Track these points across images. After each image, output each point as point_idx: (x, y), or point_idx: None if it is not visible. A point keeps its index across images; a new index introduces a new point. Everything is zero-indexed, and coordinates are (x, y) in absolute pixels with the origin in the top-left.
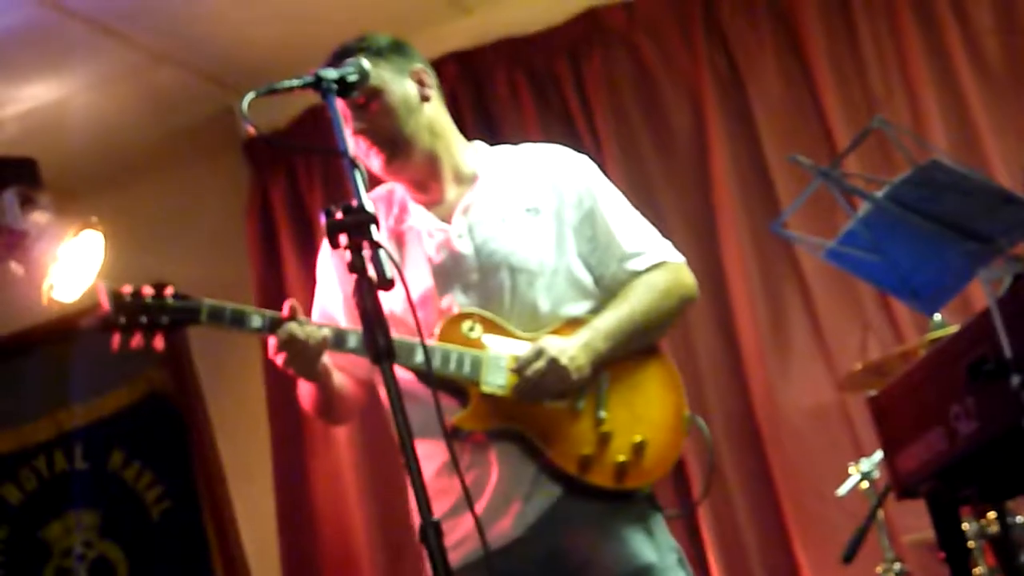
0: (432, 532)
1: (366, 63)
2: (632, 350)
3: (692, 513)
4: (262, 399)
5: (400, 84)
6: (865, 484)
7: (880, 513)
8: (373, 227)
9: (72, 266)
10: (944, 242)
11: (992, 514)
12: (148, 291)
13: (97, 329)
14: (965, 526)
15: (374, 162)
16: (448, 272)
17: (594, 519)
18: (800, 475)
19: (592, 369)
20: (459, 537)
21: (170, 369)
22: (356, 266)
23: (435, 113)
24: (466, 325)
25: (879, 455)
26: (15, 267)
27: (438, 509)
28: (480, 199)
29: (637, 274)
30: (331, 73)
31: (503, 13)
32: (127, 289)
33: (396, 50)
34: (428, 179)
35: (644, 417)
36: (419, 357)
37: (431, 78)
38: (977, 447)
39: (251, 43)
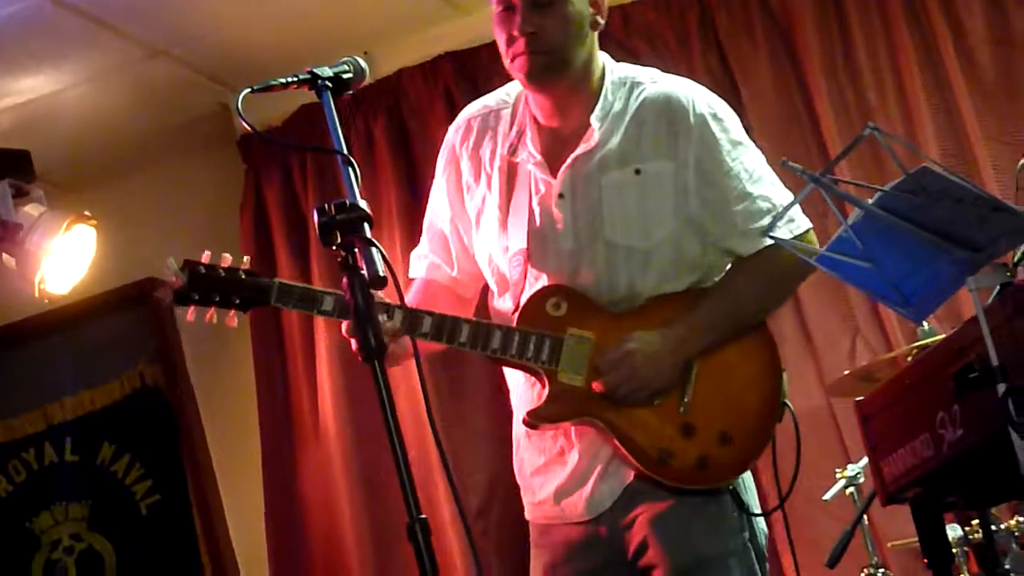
0: (419, 529)
1: (363, 64)
2: (732, 338)
3: (772, 513)
4: (252, 394)
5: (581, 0)
6: (851, 489)
7: (865, 518)
8: (366, 225)
9: (64, 259)
10: (934, 250)
11: (976, 521)
12: (223, 262)
13: (171, 303)
14: (949, 533)
15: (516, 68)
16: (544, 237)
17: (682, 518)
18: (787, 479)
19: (682, 368)
20: (543, 497)
21: (161, 364)
22: (348, 265)
23: (594, 44)
24: (551, 302)
25: (865, 460)
26: (7, 259)
27: (531, 461)
28: (590, 153)
29: (751, 254)
30: (326, 70)
31: None
32: (205, 258)
33: None
34: (562, 106)
35: (733, 405)
36: (495, 342)
37: (605, 7)
38: (962, 454)
39: (247, 40)
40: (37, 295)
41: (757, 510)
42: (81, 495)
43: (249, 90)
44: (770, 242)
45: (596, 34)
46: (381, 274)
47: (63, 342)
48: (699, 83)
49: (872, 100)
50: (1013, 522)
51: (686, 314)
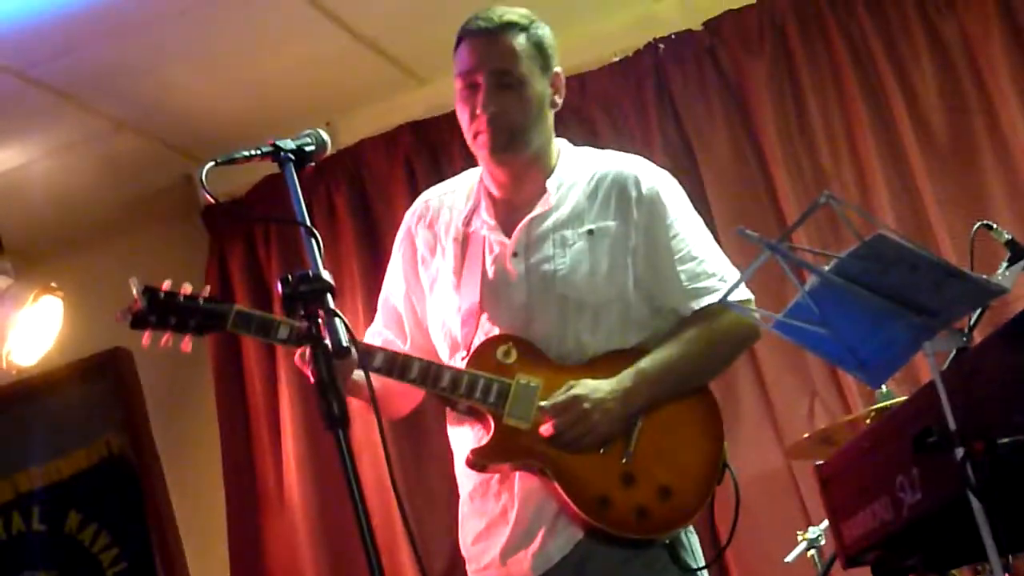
0: None
1: (325, 135)
2: (678, 394)
3: (711, 566)
4: (217, 463)
5: (541, 83)
6: (812, 552)
7: None
8: (329, 295)
9: (31, 330)
10: (890, 315)
11: None
12: (184, 290)
13: (128, 325)
14: None
15: (479, 144)
16: (496, 291)
17: (612, 568)
18: (748, 541)
19: (627, 418)
20: (488, 561)
21: (128, 433)
22: (311, 335)
23: (550, 122)
24: (501, 350)
25: (826, 523)
26: None
27: (471, 529)
28: (544, 216)
29: (696, 314)
30: (288, 143)
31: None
32: (165, 286)
33: (549, 49)
34: (518, 180)
35: (674, 462)
36: (444, 382)
37: (562, 87)
38: (921, 517)
39: (210, 111)
40: (4, 366)
41: (694, 566)
42: (49, 564)
43: (213, 163)
44: (712, 301)
45: (553, 114)
46: (344, 344)
47: (31, 412)
48: (656, 149)
49: (827, 165)
50: None
51: (632, 366)
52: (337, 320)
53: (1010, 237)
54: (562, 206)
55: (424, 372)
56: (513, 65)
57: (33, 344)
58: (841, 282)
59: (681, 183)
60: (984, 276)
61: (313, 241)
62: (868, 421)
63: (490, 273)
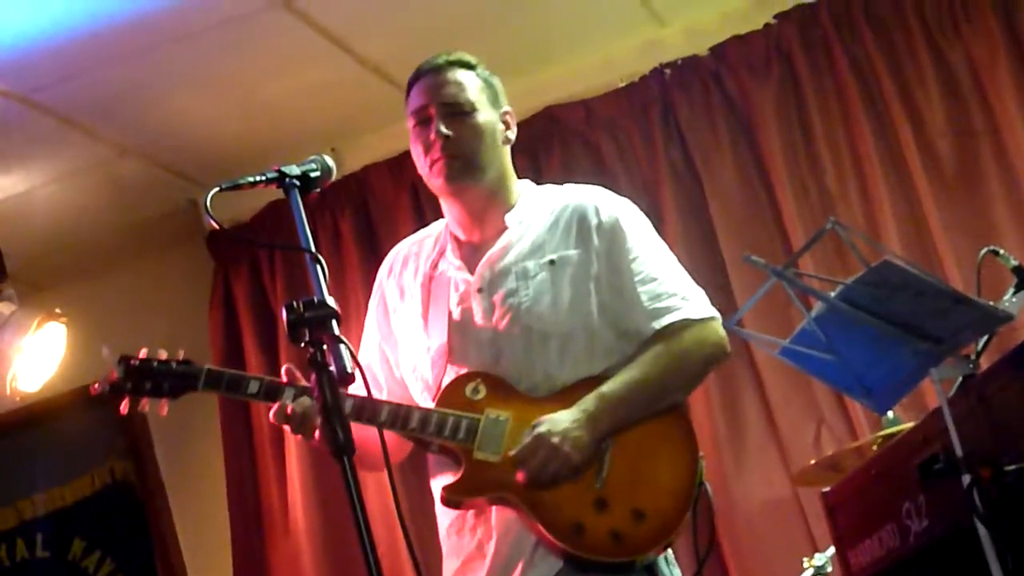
0: None
1: (330, 161)
2: (645, 415)
3: None
4: (222, 489)
5: (492, 113)
6: None
7: None
8: (334, 322)
9: (35, 357)
10: (896, 342)
11: None
12: (159, 356)
13: (106, 394)
14: None
15: (434, 175)
16: (464, 329)
17: None
18: (754, 568)
19: (598, 443)
20: None
21: (132, 459)
22: (317, 362)
23: (506, 158)
24: (470, 387)
25: (832, 550)
26: None
27: (449, 568)
28: (506, 250)
29: (658, 333)
30: (294, 169)
31: None
32: (142, 354)
33: (497, 87)
34: (478, 217)
35: (648, 484)
36: (414, 423)
37: (514, 124)
38: (928, 545)
39: (215, 137)
40: (8, 393)
41: None
42: None
43: (218, 189)
44: (674, 319)
45: (508, 150)
46: (349, 370)
47: (34, 438)
48: (662, 174)
49: (833, 190)
50: None
51: (594, 392)
52: (342, 347)
53: (1017, 263)
54: (523, 239)
55: (393, 415)
56: (463, 95)
57: (37, 371)
58: (847, 309)
59: (687, 208)
60: (991, 303)
61: (318, 267)
62: (875, 448)
63: (456, 313)
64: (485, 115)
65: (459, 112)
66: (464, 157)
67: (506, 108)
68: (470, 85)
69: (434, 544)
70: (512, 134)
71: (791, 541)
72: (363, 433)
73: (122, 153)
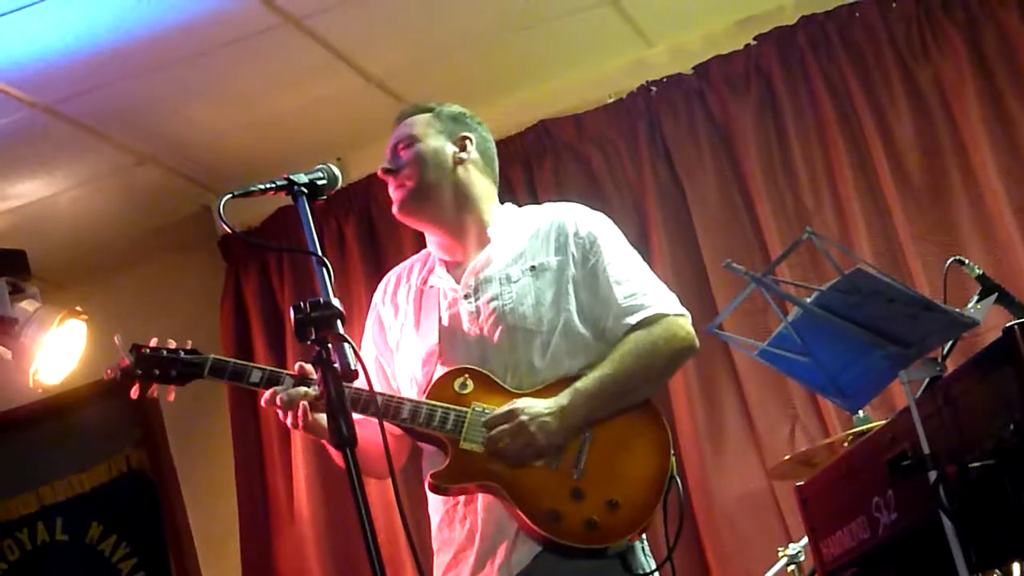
0: None
1: (336, 170)
2: (620, 408)
3: (658, 569)
4: (231, 478)
5: (438, 140)
6: (792, 568)
7: None
8: (339, 321)
9: (57, 352)
10: (868, 345)
11: None
12: (168, 345)
13: (118, 379)
14: None
15: (394, 207)
16: (453, 332)
17: None
18: (732, 557)
19: (566, 432)
20: None
21: (146, 449)
22: (322, 359)
23: (467, 178)
24: (458, 382)
25: (805, 540)
26: (3, 352)
27: (442, 561)
28: (489, 260)
29: (631, 328)
30: (302, 177)
31: None
32: (153, 343)
33: (454, 117)
34: (452, 240)
35: (622, 475)
36: (404, 413)
37: (475, 149)
38: (896, 537)
39: (228, 148)
40: (31, 385)
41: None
42: (72, 572)
43: (230, 196)
44: (645, 315)
45: (471, 171)
46: (353, 367)
47: (55, 429)
48: (647, 185)
49: (808, 203)
50: None
51: (570, 387)
52: (346, 344)
53: (981, 272)
54: (505, 250)
55: (385, 406)
56: (405, 132)
57: (58, 364)
58: (822, 313)
59: (671, 217)
60: (957, 309)
61: (324, 270)
62: (846, 444)
63: (445, 318)
64: (429, 142)
65: (403, 148)
66: (408, 185)
67: (464, 134)
68: (417, 122)
69: (430, 533)
70: (469, 155)
71: (767, 532)
72: (365, 437)
73: (140, 161)
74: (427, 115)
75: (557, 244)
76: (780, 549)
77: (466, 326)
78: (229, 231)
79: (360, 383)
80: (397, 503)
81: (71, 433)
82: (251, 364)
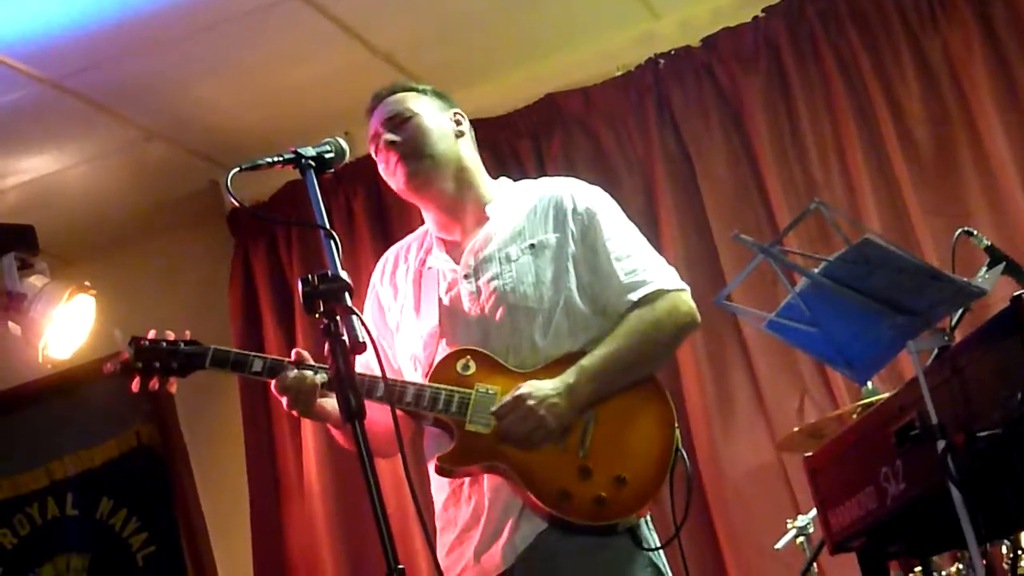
0: None
1: (344, 144)
2: (624, 385)
3: (668, 545)
4: (241, 452)
5: (436, 114)
6: (801, 539)
7: (814, 566)
8: (346, 294)
9: (66, 327)
10: (876, 316)
11: (919, 568)
12: (167, 337)
13: (118, 373)
14: None
15: (398, 178)
16: (453, 312)
17: (575, 555)
18: (741, 529)
19: (574, 412)
20: (463, 565)
21: (156, 424)
22: (330, 331)
23: (466, 151)
24: (460, 363)
25: (814, 512)
26: (13, 327)
27: (446, 540)
28: (488, 239)
29: (633, 305)
30: (309, 151)
31: (470, 97)
32: (151, 335)
33: (440, 95)
34: (453, 214)
35: (628, 452)
36: (409, 397)
37: (467, 124)
38: (904, 506)
39: (235, 122)
40: (40, 360)
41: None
42: (82, 547)
43: (238, 169)
44: (647, 291)
45: (469, 145)
46: (361, 340)
47: (65, 404)
48: (656, 159)
49: (817, 176)
50: (954, 569)
51: (575, 365)
52: (354, 317)
53: (989, 243)
54: (503, 228)
55: (389, 390)
56: (403, 107)
57: (67, 340)
58: (830, 284)
59: (679, 190)
60: (965, 279)
61: (332, 243)
62: (854, 416)
63: (446, 299)
64: (429, 117)
65: (402, 120)
66: (415, 153)
67: (455, 109)
68: (407, 98)
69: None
70: (465, 128)
71: (776, 503)
72: (373, 417)
73: (148, 136)
74: (412, 92)
75: (556, 221)
76: (789, 521)
77: (467, 306)
78: (237, 205)
79: (366, 357)
80: (406, 475)
81: (80, 408)
82: (252, 353)
